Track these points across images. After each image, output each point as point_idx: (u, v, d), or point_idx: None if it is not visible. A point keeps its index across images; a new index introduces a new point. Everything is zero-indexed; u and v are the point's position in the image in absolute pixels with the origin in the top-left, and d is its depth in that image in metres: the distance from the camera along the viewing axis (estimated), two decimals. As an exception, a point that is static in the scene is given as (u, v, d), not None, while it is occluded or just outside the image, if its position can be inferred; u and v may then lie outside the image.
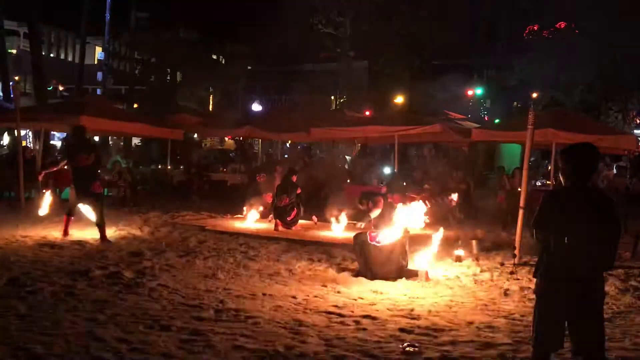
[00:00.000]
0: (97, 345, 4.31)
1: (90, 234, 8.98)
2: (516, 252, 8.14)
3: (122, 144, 22.52)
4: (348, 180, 15.13)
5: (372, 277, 6.88)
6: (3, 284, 5.90)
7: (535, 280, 3.73)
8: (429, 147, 18.29)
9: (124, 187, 14.01)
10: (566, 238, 3.48)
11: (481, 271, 7.53)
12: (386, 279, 6.81)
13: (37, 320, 4.81)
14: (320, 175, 14.36)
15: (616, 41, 19.72)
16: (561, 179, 3.71)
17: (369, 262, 7.06)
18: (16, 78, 13.75)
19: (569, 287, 3.49)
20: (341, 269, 7.37)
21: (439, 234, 7.44)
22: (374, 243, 7.10)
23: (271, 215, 10.80)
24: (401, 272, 6.99)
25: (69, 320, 4.85)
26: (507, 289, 6.53)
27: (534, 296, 3.87)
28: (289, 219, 10.50)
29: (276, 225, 10.42)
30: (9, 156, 16.37)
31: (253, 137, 20.31)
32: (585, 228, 3.46)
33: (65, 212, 8.96)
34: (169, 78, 29.45)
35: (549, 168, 15.14)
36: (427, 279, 6.89)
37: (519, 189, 10.04)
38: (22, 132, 14.72)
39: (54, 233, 9.03)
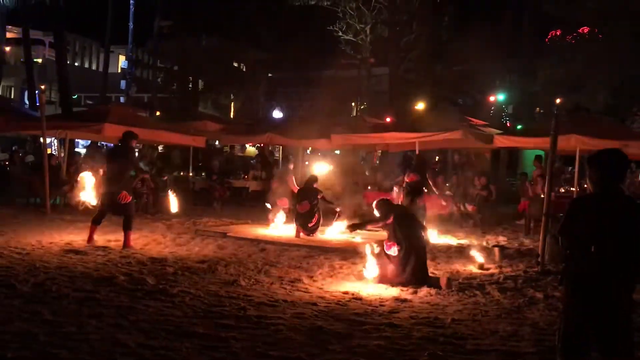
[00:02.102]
0: (120, 351, 4.35)
1: (114, 241, 9.08)
2: (540, 259, 8.04)
3: (160, 149, 22.60)
4: (369, 187, 15.10)
5: (391, 285, 6.84)
6: (29, 289, 5.98)
7: (560, 288, 3.67)
8: (456, 153, 18.16)
9: (147, 193, 14.14)
10: (593, 246, 3.42)
11: (505, 279, 7.44)
12: (405, 286, 6.76)
13: (62, 326, 4.86)
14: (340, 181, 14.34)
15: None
16: (589, 185, 3.66)
17: (385, 271, 7.00)
18: (42, 86, 13.98)
19: (596, 295, 3.43)
20: (362, 276, 7.33)
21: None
22: (389, 252, 7.05)
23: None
24: (421, 279, 6.92)
25: (93, 325, 4.90)
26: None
27: (559, 304, 3.81)
28: (310, 225, 10.49)
29: (297, 231, 10.42)
30: (35, 163, 16.66)
31: (274, 144, 20.39)
32: (613, 235, 3.40)
33: (92, 219, 9.04)
34: (191, 85, 29.68)
35: (574, 174, 14.93)
36: (446, 285, 6.81)
37: (542, 196, 9.92)
38: (47, 140, 14.96)
39: (79, 239, 9.14)
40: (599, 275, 3.43)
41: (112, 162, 8.74)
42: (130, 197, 8.78)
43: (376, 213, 7.53)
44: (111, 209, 8.82)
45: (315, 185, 10.84)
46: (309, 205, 10.48)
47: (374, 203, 7.66)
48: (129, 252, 8.29)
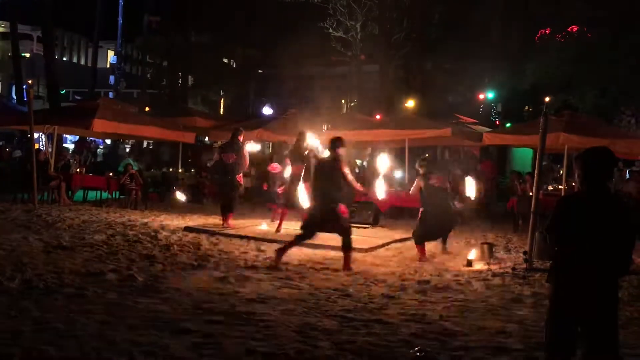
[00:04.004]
0: (109, 348, 4.33)
1: (100, 238, 9.04)
2: (528, 256, 8.10)
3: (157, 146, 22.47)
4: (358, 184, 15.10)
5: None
6: (16, 286, 5.94)
7: (547, 285, 3.70)
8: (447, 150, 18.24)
9: (136, 189, 14.10)
10: (580, 243, 3.45)
11: (493, 276, 7.49)
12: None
13: (49, 322, 4.83)
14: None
15: (630, 45, 19.57)
16: (576, 183, 3.69)
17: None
18: (29, 81, 13.88)
19: (583, 293, 3.47)
20: (352, 273, 7.36)
21: None
22: None
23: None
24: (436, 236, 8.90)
25: (81, 322, 4.88)
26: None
27: (546, 301, 3.84)
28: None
29: (280, 221, 10.30)
30: (22, 158, 16.54)
31: (264, 140, 20.36)
32: (600, 234, 3.43)
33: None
34: (180, 81, 29.56)
35: (561, 172, 15.05)
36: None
37: (530, 194, 10.00)
38: (35, 135, 14.86)
39: (66, 235, 9.09)
40: (586, 272, 3.46)
41: (322, 175, 7.69)
42: (347, 212, 7.75)
43: (419, 170, 8.93)
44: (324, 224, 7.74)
45: (305, 144, 10.23)
46: (302, 167, 10.02)
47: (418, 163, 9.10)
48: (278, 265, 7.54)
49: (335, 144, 7.74)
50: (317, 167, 7.95)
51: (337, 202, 7.55)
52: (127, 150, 24.13)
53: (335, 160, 7.70)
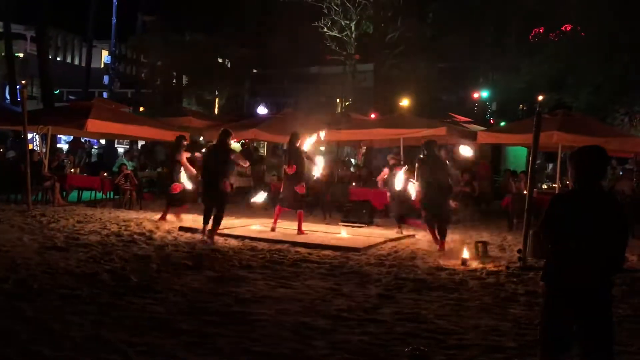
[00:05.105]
0: (103, 348, 4.32)
1: (94, 238, 9.01)
2: (522, 255, 8.12)
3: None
4: (353, 183, 15.13)
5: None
6: (9, 287, 5.92)
7: (542, 283, 3.71)
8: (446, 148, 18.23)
9: (131, 189, 14.06)
10: (574, 242, 3.46)
11: (487, 274, 7.51)
12: None
13: (44, 323, 4.82)
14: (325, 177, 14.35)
15: (624, 43, 19.65)
16: (569, 182, 3.70)
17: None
18: (23, 81, 13.80)
19: (577, 291, 3.48)
20: (347, 272, 7.37)
21: None
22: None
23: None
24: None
25: (76, 322, 4.87)
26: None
27: (540, 300, 3.86)
28: (297, 188, 10.13)
29: (276, 216, 10.31)
30: (16, 159, 16.47)
31: (259, 140, 20.35)
32: (593, 232, 3.45)
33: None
34: (174, 81, 29.48)
35: (556, 170, 15.10)
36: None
37: (525, 192, 10.03)
38: (29, 135, 14.79)
39: (60, 236, 9.06)
40: (579, 270, 3.47)
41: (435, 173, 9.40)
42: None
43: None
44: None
45: (298, 143, 10.27)
46: (295, 167, 10.14)
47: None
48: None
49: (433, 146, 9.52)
50: (425, 164, 9.35)
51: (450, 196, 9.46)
52: (122, 150, 24.02)
53: (440, 159, 9.48)
